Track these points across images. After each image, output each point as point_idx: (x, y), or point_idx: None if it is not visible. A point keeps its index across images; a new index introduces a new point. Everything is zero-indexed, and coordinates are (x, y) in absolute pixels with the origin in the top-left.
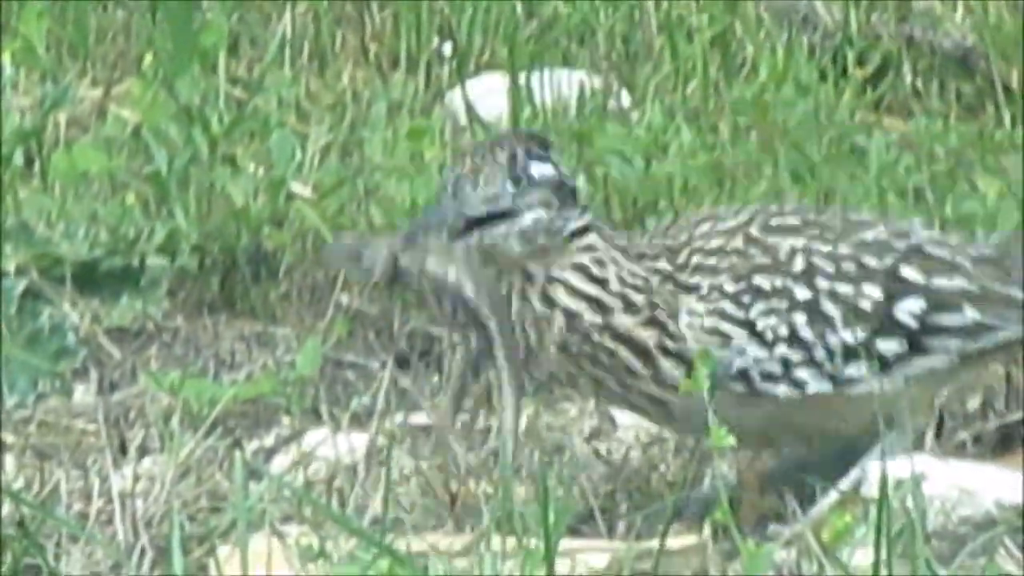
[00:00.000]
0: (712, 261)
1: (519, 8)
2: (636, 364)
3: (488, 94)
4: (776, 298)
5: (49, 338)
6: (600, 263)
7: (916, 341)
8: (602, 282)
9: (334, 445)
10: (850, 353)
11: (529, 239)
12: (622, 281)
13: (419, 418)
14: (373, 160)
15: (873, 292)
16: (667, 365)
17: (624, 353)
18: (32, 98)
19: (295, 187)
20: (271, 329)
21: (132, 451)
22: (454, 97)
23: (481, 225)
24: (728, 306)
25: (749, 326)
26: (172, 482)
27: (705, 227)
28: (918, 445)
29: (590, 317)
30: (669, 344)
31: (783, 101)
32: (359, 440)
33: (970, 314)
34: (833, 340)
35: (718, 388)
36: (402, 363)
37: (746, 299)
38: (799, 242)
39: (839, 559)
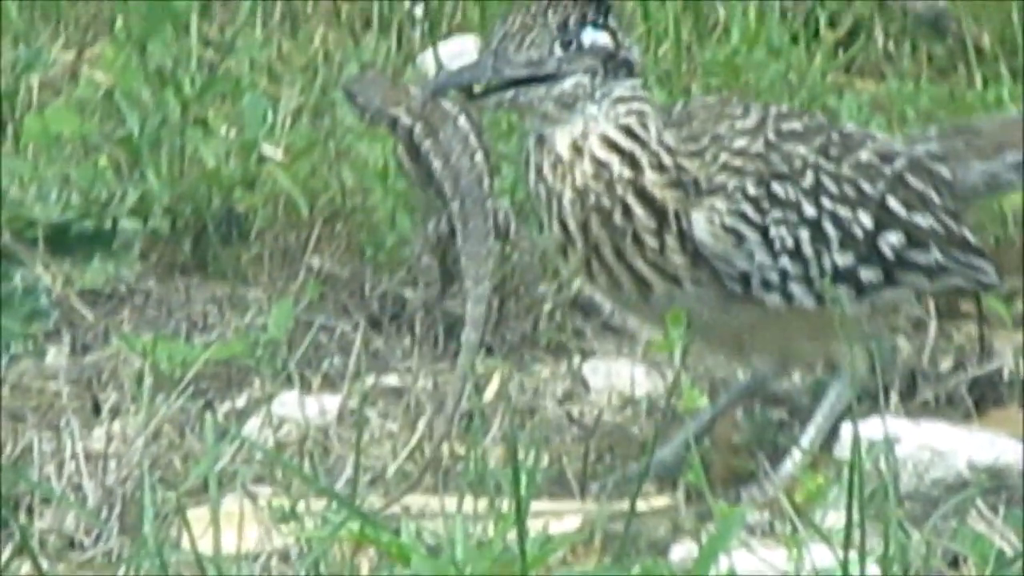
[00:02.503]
0: (738, 162)
1: None
2: (650, 227)
3: (460, 56)
4: (789, 210)
5: (22, 300)
6: (644, 126)
7: (890, 272)
8: (642, 142)
9: (305, 407)
10: (837, 275)
11: (566, 103)
12: (660, 143)
13: (391, 380)
14: (345, 123)
15: (865, 220)
16: (674, 247)
17: (641, 215)
18: (4, 61)
19: (267, 150)
20: (243, 291)
21: (104, 413)
22: (426, 59)
23: (519, 85)
24: (748, 209)
25: (763, 231)
26: (144, 444)
27: (725, 124)
28: (886, 405)
29: (619, 169)
30: (684, 222)
31: (755, 63)
32: (331, 402)
33: (935, 254)
34: (827, 261)
35: (714, 284)
36: (374, 325)
37: (764, 205)
38: (809, 155)
39: (812, 520)
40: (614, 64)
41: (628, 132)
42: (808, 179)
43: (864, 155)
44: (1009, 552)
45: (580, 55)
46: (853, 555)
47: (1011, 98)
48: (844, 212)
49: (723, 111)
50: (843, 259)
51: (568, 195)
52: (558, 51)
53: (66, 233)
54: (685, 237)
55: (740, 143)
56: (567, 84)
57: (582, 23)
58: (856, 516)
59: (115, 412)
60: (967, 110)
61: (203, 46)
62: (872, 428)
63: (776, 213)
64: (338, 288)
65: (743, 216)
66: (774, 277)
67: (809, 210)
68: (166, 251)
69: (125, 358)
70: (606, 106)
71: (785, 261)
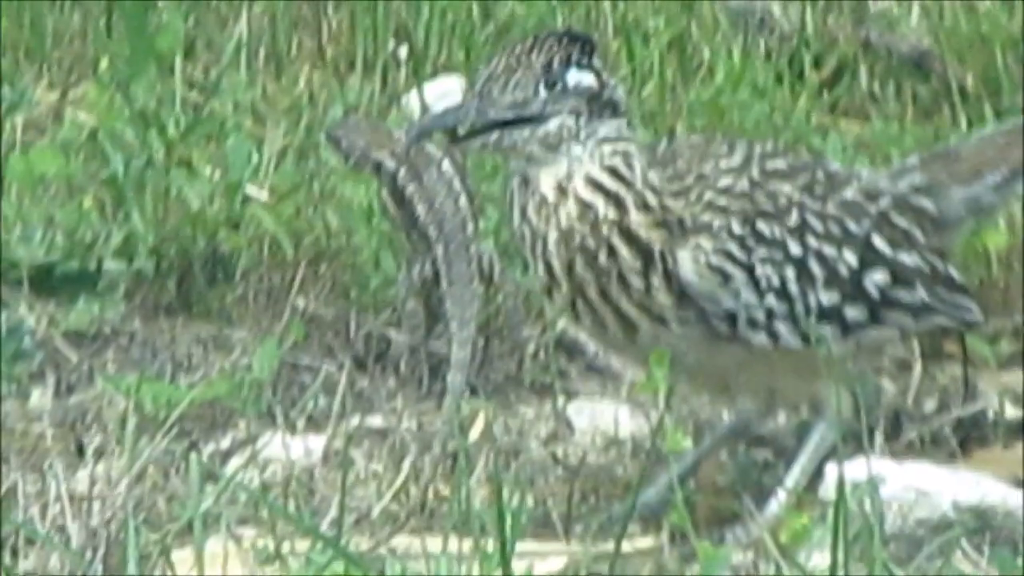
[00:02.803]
0: (723, 202)
1: (475, 10)
2: (636, 267)
3: (445, 96)
4: (774, 248)
5: (6, 341)
6: (629, 166)
7: (875, 311)
8: (627, 182)
9: (290, 448)
10: (822, 314)
11: (551, 144)
12: (645, 182)
13: (376, 421)
14: (329, 163)
15: (851, 259)
16: (661, 287)
17: (626, 255)
18: None
19: (251, 191)
20: (227, 332)
21: (88, 454)
22: (410, 100)
23: (504, 127)
24: (734, 248)
25: (749, 270)
26: (128, 485)
27: (710, 163)
28: (870, 445)
29: (604, 210)
30: (670, 261)
31: (739, 103)
32: (316, 443)
33: (920, 293)
34: (812, 300)
35: (700, 324)
36: (359, 366)
37: (750, 243)
38: (795, 194)
39: (796, 561)
40: (599, 105)
41: (613, 172)
42: (793, 217)
43: (849, 193)
44: None
45: (565, 96)
46: None
47: None
48: (829, 250)
49: (708, 150)
50: (828, 298)
51: (553, 236)
52: (543, 92)
53: (50, 274)
54: (671, 277)
55: (725, 182)
56: (552, 125)
57: (567, 64)
58: (841, 557)
59: (99, 453)
60: None
61: (187, 87)
62: (857, 469)
63: (762, 251)
64: (323, 329)
65: (729, 255)
66: (760, 316)
67: (795, 248)
68: (151, 292)
69: (110, 399)
70: (591, 146)
71: (771, 300)
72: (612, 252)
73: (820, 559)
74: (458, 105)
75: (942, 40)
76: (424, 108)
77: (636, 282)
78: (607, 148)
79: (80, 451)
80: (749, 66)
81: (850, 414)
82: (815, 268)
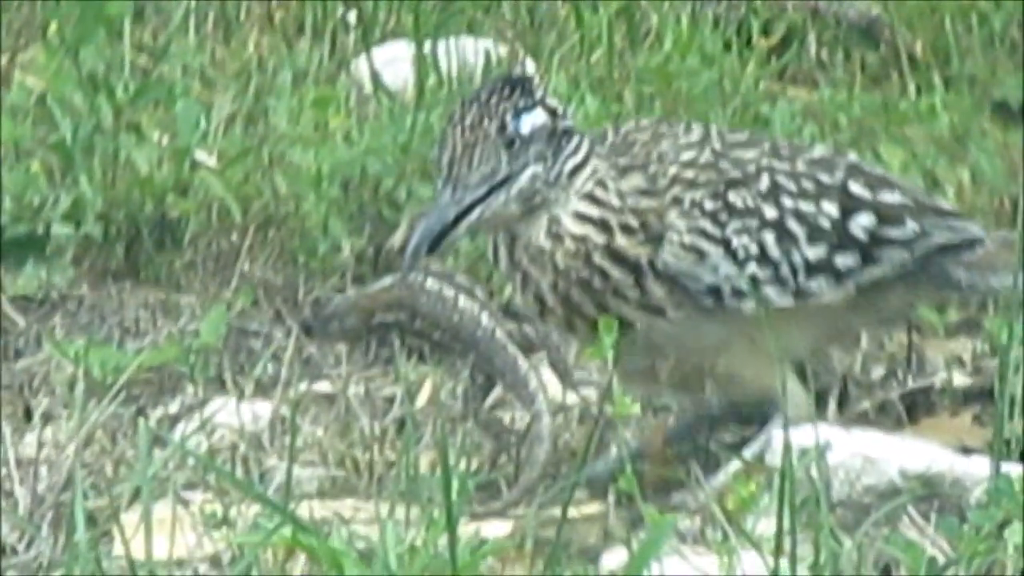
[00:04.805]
0: (689, 174)
1: None
2: (627, 285)
3: (393, 62)
4: (748, 217)
5: None
6: (603, 185)
7: (867, 253)
8: (605, 204)
9: (238, 413)
10: (811, 268)
11: (527, 196)
12: (621, 199)
13: (323, 387)
14: (278, 129)
15: (831, 209)
16: (654, 287)
17: (618, 276)
18: None
19: (200, 156)
20: (175, 297)
21: (36, 419)
22: (359, 65)
23: (480, 202)
24: (707, 224)
25: (724, 244)
26: (76, 450)
27: (667, 141)
28: (821, 413)
29: (595, 238)
30: (658, 263)
31: (688, 70)
32: (264, 408)
33: (911, 224)
34: (797, 257)
35: (687, 304)
36: (307, 332)
37: (723, 217)
38: (761, 159)
39: (743, 528)
40: (556, 138)
41: (592, 199)
42: (764, 182)
43: (816, 152)
44: (941, 559)
45: (525, 147)
46: (784, 562)
47: (944, 106)
48: (806, 206)
49: (660, 130)
50: (814, 252)
51: (548, 279)
52: (504, 155)
53: None
54: (661, 273)
55: (688, 155)
56: (523, 179)
57: (517, 115)
58: (787, 523)
59: (47, 418)
60: (900, 118)
61: (136, 52)
62: (804, 435)
63: (736, 223)
64: (271, 294)
65: (702, 232)
66: (744, 285)
67: (770, 212)
68: (99, 257)
69: (57, 364)
70: (564, 182)
71: (753, 267)
72: (605, 275)
73: (767, 525)
74: (433, 207)
75: (891, 8)
76: (373, 74)
77: (632, 293)
78: (578, 179)
79: (28, 416)
80: (697, 33)
81: (804, 417)
82: (795, 227)
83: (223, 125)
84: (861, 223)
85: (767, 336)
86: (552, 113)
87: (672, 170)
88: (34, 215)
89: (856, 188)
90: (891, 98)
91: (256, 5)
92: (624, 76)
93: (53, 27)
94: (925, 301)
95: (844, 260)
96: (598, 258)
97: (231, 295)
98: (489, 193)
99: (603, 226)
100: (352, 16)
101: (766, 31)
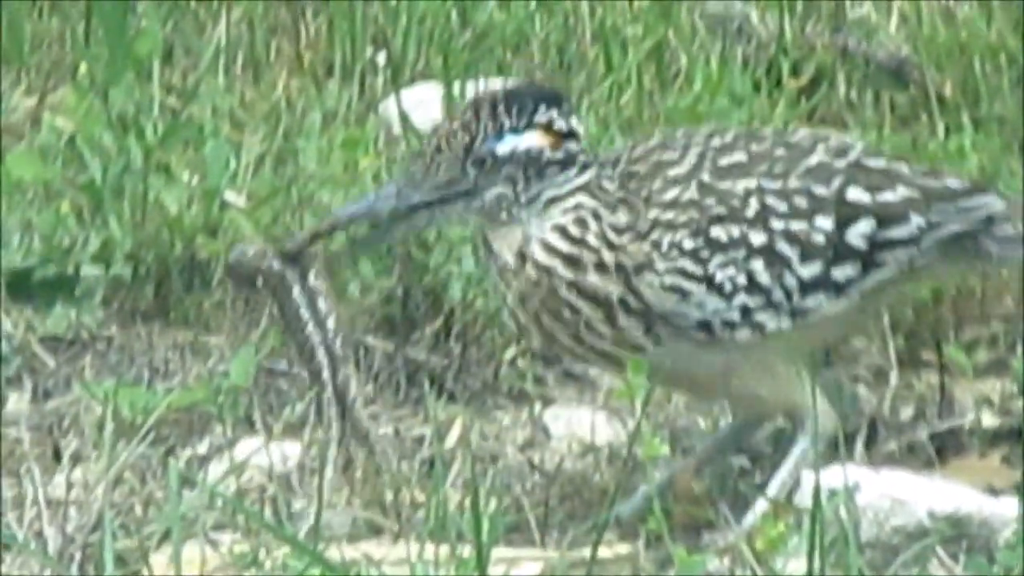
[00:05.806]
0: (670, 215)
1: (454, 17)
2: (598, 320)
3: (422, 103)
4: (733, 249)
5: None
6: (582, 223)
7: (868, 260)
8: (580, 242)
9: (267, 454)
10: (806, 287)
11: (490, 214)
12: (600, 238)
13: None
14: (307, 169)
15: (825, 224)
16: (628, 324)
17: (588, 311)
18: None
19: (229, 196)
20: (205, 338)
21: (65, 459)
22: (388, 106)
23: (432, 206)
24: (687, 263)
25: (707, 281)
26: (105, 490)
27: (659, 180)
28: (850, 453)
29: (561, 272)
30: (631, 301)
31: (717, 111)
32: (292, 449)
33: (915, 220)
34: (790, 279)
35: (679, 339)
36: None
37: (704, 254)
38: (752, 183)
39: (772, 568)
40: (539, 166)
41: (565, 233)
42: (752, 207)
43: (814, 159)
44: None
45: (496, 167)
46: None
47: (973, 147)
48: (798, 225)
49: (660, 158)
50: (809, 270)
51: (511, 299)
52: (471, 170)
53: (28, 279)
54: (636, 311)
55: (671, 194)
56: (488, 196)
57: (498, 135)
58: (817, 564)
59: (76, 459)
60: (929, 159)
61: (165, 92)
62: (833, 476)
63: (719, 258)
64: None
65: (683, 272)
66: (735, 316)
67: (758, 238)
68: (128, 297)
69: (86, 405)
70: (538, 209)
71: (742, 298)
72: (574, 309)
73: (796, 566)
74: (373, 194)
75: (920, 48)
76: (402, 115)
77: (604, 329)
78: (555, 209)
79: (57, 456)
80: (727, 74)
81: (831, 428)
82: (785, 249)
83: (252, 166)
84: (860, 231)
85: (774, 356)
86: (562, 136)
87: (653, 213)
88: (64, 256)
89: (855, 194)
90: (920, 138)
91: (285, 46)
92: (654, 117)
93: (83, 68)
94: (951, 279)
95: (843, 272)
96: (564, 292)
97: (260, 336)
98: (443, 200)
99: (571, 262)
100: (381, 57)
101: (795, 71)
